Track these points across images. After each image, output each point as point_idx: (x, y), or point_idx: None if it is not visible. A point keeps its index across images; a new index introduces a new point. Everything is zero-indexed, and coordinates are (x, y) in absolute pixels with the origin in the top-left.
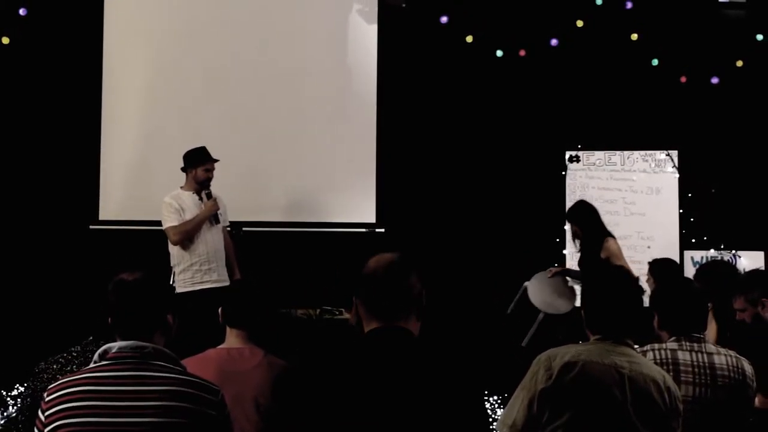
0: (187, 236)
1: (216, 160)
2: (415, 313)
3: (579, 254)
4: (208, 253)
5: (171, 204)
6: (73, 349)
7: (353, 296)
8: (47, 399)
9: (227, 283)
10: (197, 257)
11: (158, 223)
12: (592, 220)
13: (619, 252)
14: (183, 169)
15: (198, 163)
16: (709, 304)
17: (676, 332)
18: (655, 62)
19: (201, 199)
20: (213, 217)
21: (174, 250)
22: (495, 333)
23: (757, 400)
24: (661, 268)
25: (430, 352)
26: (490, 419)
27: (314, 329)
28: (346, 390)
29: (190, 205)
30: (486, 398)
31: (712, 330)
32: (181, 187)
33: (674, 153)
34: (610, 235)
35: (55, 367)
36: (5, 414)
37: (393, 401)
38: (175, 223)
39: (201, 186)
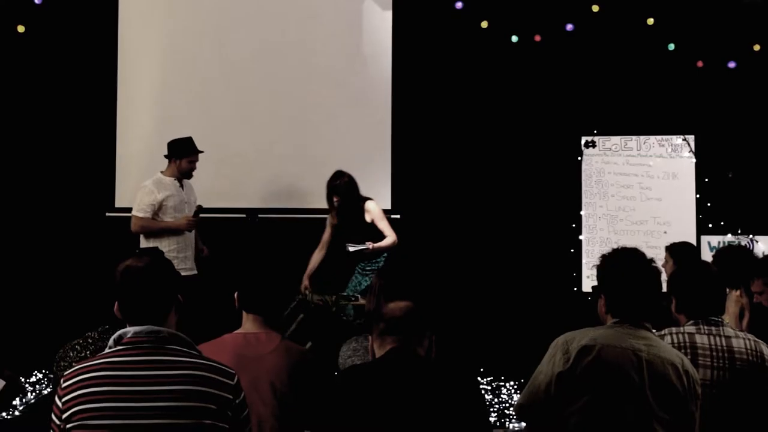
0: (145, 233)
1: (200, 152)
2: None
3: (336, 223)
4: (185, 242)
5: (151, 192)
6: (89, 334)
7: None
8: (64, 385)
9: (195, 273)
10: (175, 244)
11: None
12: (351, 187)
13: (380, 213)
14: (167, 157)
15: (184, 155)
16: (726, 289)
17: (693, 316)
18: (671, 47)
19: (182, 186)
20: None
21: (144, 237)
22: (511, 316)
23: None
24: (681, 250)
25: (439, 368)
26: (507, 405)
27: (330, 315)
28: (361, 378)
29: (172, 192)
30: (503, 384)
31: (731, 314)
32: (162, 172)
33: (691, 138)
34: (368, 198)
35: (72, 354)
36: (24, 400)
37: (406, 394)
38: (141, 215)
39: (183, 176)
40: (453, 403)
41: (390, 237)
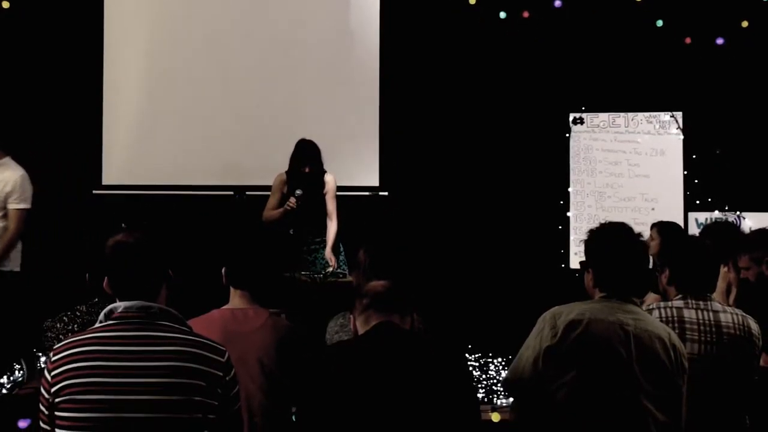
0: None
1: None
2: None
3: (300, 195)
4: None
5: None
6: (78, 307)
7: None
8: (53, 359)
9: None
10: None
11: (160, 187)
12: (320, 157)
13: (335, 189)
14: None
15: None
16: (721, 265)
17: (683, 290)
18: (659, 23)
19: None
20: None
21: None
22: (499, 293)
23: (762, 359)
24: (669, 229)
25: (427, 343)
26: (495, 381)
27: (318, 292)
28: (350, 353)
29: None
30: (491, 360)
31: (719, 289)
32: None
33: (679, 114)
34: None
35: (59, 326)
36: (11, 378)
37: (395, 368)
38: None
39: None
40: (441, 378)
41: (333, 223)
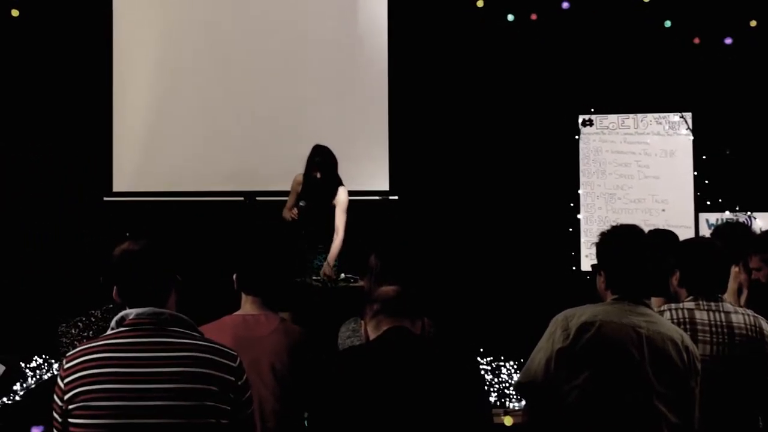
0: None
1: None
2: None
3: (303, 206)
4: None
5: None
6: (92, 312)
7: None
8: (66, 366)
9: None
10: None
11: (171, 194)
12: (335, 166)
13: (347, 204)
14: None
15: None
16: (733, 267)
17: (695, 291)
18: (668, 24)
19: None
20: None
21: None
22: (510, 297)
23: None
24: (663, 237)
25: (439, 347)
26: (508, 385)
27: (329, 296)
28: (363, 357)
29: None
30: (503, 363)
31: (730, 290)
32: None
33: (688, 115)
34: (341, 183)
35: (74, 331)
36: (24, 385)
37: (408, 373)
38: None
39: None
40: (452, 382)
41: (338, 237)
